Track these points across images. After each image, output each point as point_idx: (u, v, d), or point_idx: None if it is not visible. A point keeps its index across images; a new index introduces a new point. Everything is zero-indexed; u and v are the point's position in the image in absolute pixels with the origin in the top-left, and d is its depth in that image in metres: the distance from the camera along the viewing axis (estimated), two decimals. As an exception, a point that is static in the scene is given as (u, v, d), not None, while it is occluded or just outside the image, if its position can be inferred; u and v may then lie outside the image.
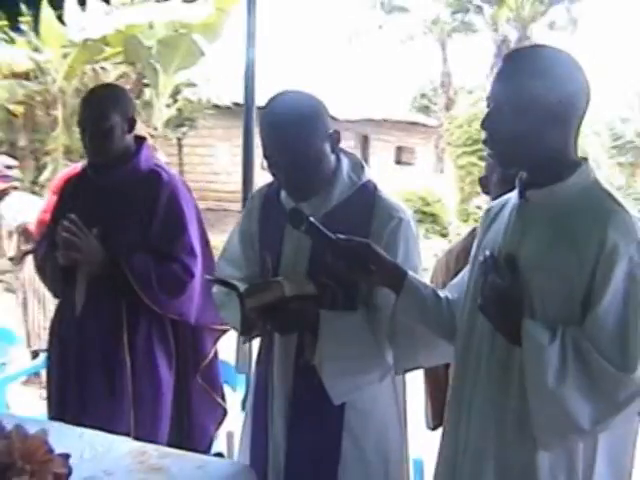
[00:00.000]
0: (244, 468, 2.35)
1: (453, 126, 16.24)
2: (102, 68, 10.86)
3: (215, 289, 2.51)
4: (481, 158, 15.65)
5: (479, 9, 17.38)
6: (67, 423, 2.60)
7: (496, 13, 17.04)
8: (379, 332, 2.20)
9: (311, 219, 2.10)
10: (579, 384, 1.70)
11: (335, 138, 2.25)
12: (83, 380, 2.90)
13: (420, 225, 14.05)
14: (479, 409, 1.90)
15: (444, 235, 14.29)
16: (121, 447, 2.37)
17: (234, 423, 3.33)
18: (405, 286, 2.07)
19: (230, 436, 3.34)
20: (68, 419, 2.71)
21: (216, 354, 3.13)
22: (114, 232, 2.84)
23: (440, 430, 2.14)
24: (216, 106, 13.82)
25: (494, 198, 2.53)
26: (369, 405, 2.31)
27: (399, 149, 21.44)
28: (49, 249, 2.99)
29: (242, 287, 2.16)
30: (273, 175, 2.30)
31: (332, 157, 2.28)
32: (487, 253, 1.90)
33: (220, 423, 3.19)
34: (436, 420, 2.74)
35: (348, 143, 17.51)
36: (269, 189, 2.47)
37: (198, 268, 2.91)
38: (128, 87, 11.12)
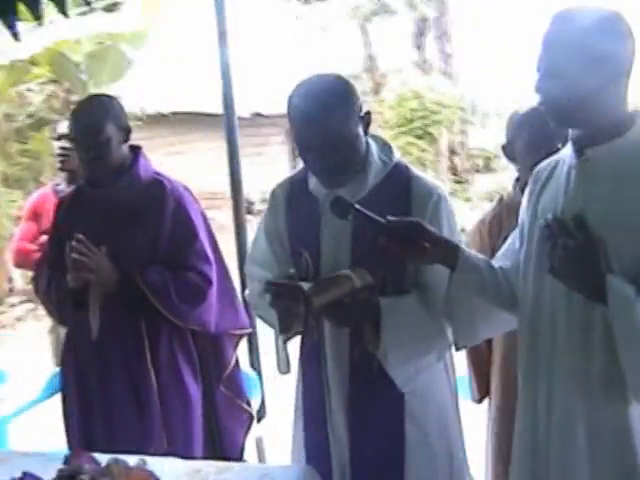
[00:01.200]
0: (308, 470, 2.27)
1: (385, 108, 16.23)
2: (28, 90, 10.54)
3: (248, 291, 2.43)
4: (418, 137, 15.70)
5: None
6: (94, 451, 2.49)
7: (413, -8, 17.20)
8: (434, 311, 2.15)
9: (357, 206, 2.03)
10: None
11: (367, 120, 2.18)
12: (109, 405, 2.78)
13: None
14: (562, 373, 1.86)
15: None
16: (174, 469, 2.26)
17: (260, 428, 3.27)
18: (460, 260, 2.03)
19: (260, 441, 3.25)
20: (97, 447, 2.59)
21: (237, 361, 3.05)
22: (122, 247, 2.73)
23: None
24: (148, 115, 13.55)
25: (523, 164, 2.51)
26: (427, 387, 2.26)
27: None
28: (52, 274, 2.85)
29: (306, 286, 2.08)
30: (305, 162, 2.22)
31: (364, 140, 2.21)
32: (549, 216, 1.86)
33: (248, 430, 3.11)
34: (481, 392, 2.71)
35: (276, 139, 17.41)
36: (293, 181, 2.39)
37: (214, 274, 2.82)
38: (57, 106, 10.84)
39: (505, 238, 2.21)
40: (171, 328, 2.78)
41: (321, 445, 2.30)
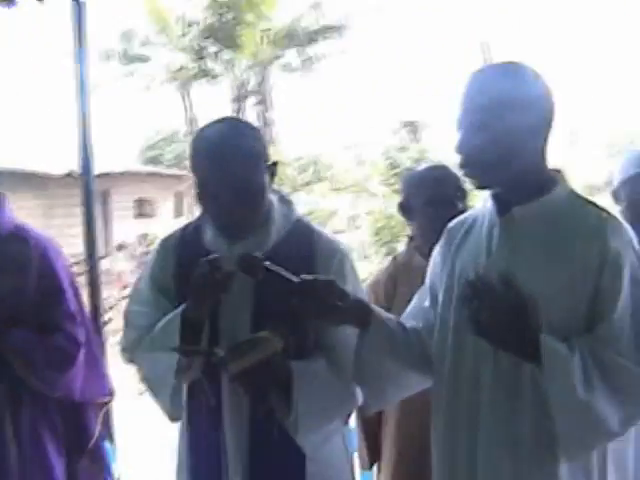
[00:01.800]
0: None
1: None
2: None
3: (124, 339, 2.21)
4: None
5: (217, 55, 17.57)
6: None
7: (234, 58, 17.33)
8: (344, 375, 2.05)
9: (266, 264, 1.91)
10: (606, 391, 1.68)
11: (272, 171, 2.08)
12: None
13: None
14: (486, 437, 1.81)
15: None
16: None
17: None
18: (373, 320, 1.96)
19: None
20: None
21: (100, 431, 2.79)
22: (-20, 306, 2.44)
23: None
24: None
25: (421, 222, 2.49)
26: (327, 453, 2.15)
27: (139, 202, 20.94)
28: None
29: (220, 351, 1.92)
30: (207, 212, 2.09)
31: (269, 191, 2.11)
32: (470, 275, 1.83)
33: (111, 505, 2.85)
34: (372, 458, 2.63)
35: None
36: (184, 234, 2.23)
37: (82, 336, 2.59)
38: None
39: (409, 299, 2.17)
40: (34, 397, 2.51)
41: None
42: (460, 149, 1.82)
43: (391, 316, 2.05)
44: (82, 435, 2.70)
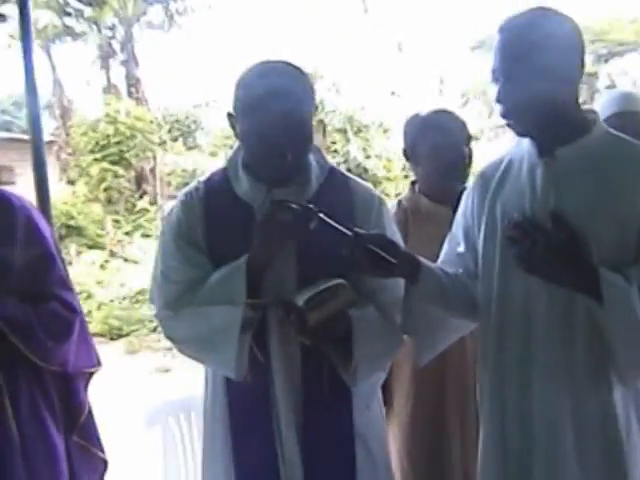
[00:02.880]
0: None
1: (78, 134, 15.50)
2: None
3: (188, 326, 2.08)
4: (113, 162, 15.17)
5: (80, 12, 16.82)
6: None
7: (98, 15, 16.66)
8: (392, 321, 2.06)
9: (321, 215, 1.86)
10: None
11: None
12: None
13: (70, 241, 13.14)
14: (541, 371, 1.87)
15: (95, 247, 13.55)
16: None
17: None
18: (422, 272, 1.97)
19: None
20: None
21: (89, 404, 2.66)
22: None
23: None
24: None
25: (429, 167, 2.49)
26: (370, 400, 2.16)
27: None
28: None
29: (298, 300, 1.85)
30: (254, 155, 2.01)
31: None
32: (516, 216, 1.86)
33: (102, 477, 2.73)
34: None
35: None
36: (211, 184, 2.13)
37: (77, 302, 2.45)
38: None
39: (422, 242, 2.17)
40: (30, 372, 2.37)
41: (266, 472, 2.07)
42: (501, 99, 1.84)
43: (435, 265, 2.05)
44: (75, 409, 2.57)
